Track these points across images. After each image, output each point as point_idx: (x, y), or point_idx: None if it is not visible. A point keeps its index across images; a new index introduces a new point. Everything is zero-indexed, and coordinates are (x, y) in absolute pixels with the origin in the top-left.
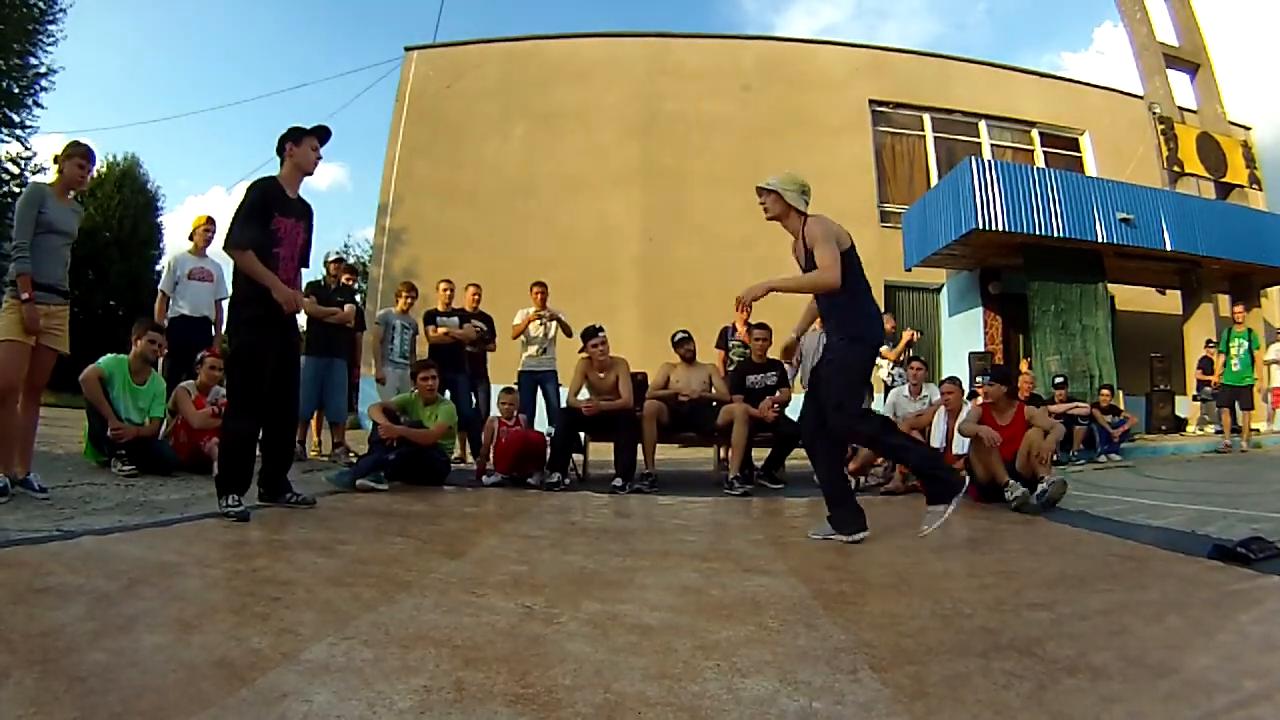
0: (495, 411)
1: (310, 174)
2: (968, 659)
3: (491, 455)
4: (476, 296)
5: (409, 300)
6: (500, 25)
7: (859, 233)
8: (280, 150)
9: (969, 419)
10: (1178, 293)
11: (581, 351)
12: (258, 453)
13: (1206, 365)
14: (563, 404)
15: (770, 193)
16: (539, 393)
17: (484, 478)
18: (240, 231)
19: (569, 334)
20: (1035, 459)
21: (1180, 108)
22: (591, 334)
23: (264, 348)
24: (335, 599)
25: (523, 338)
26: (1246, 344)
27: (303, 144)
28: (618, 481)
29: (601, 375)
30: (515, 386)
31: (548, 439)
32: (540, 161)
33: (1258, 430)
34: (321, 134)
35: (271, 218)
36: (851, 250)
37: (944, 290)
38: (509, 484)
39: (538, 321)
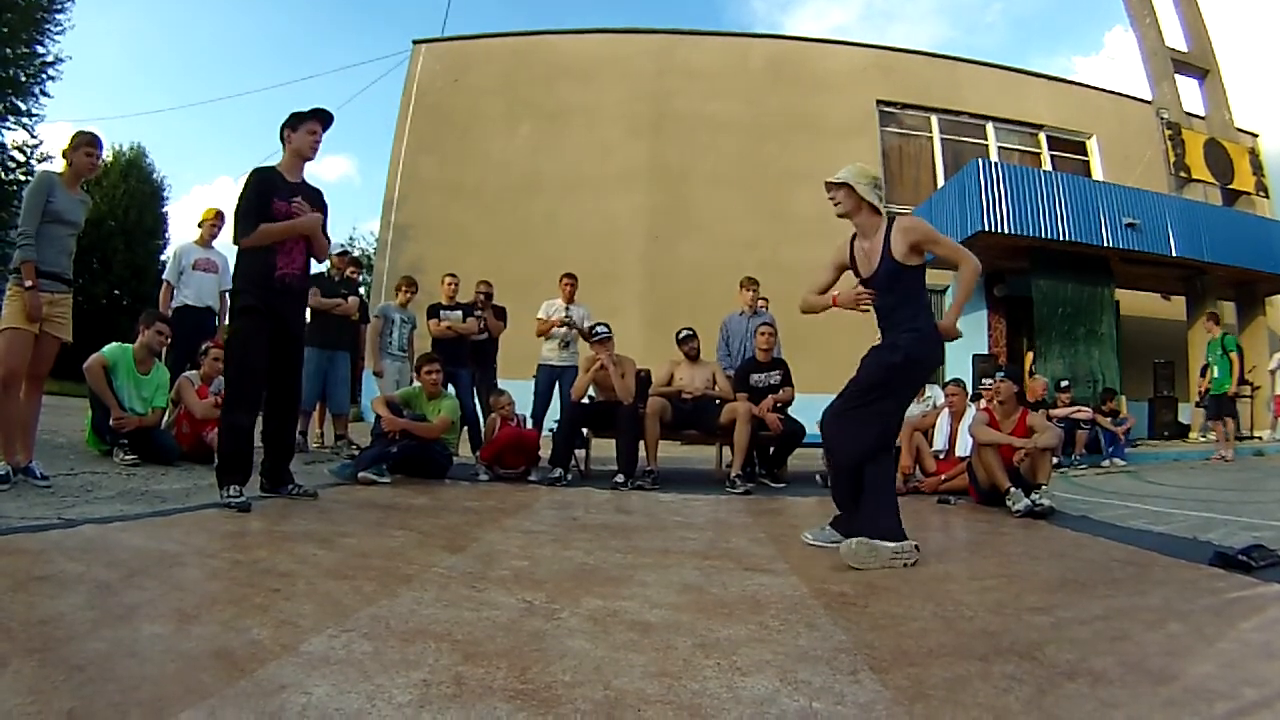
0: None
1: (310, 159)
2: (968, 662)
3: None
4: (486, 292)
5: (408, 294)
6: (508, 20)
7: None
8: (281, 138)
9: (976, 423)
10: (1183, 299)
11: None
12: (258, 443)
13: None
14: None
15: (841, 187)
16: (555, 387)
17: (479, 475)
18: (241, 228)
19: (588, 339)
20: (1035, 466)
21: (1188, 113)
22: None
23: (257, 338)
24: (335, 591)
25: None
26: (1221, 350)
27: (300, 130)
28: (620, 478)
29: (609, 372)
30: (506, 390)
31: (546, 435)
32: (546, 158)
33: (1260, 438)
34: (322, 117)
35: (269, 205)
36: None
37: (948, 292)
38: (504, 480)
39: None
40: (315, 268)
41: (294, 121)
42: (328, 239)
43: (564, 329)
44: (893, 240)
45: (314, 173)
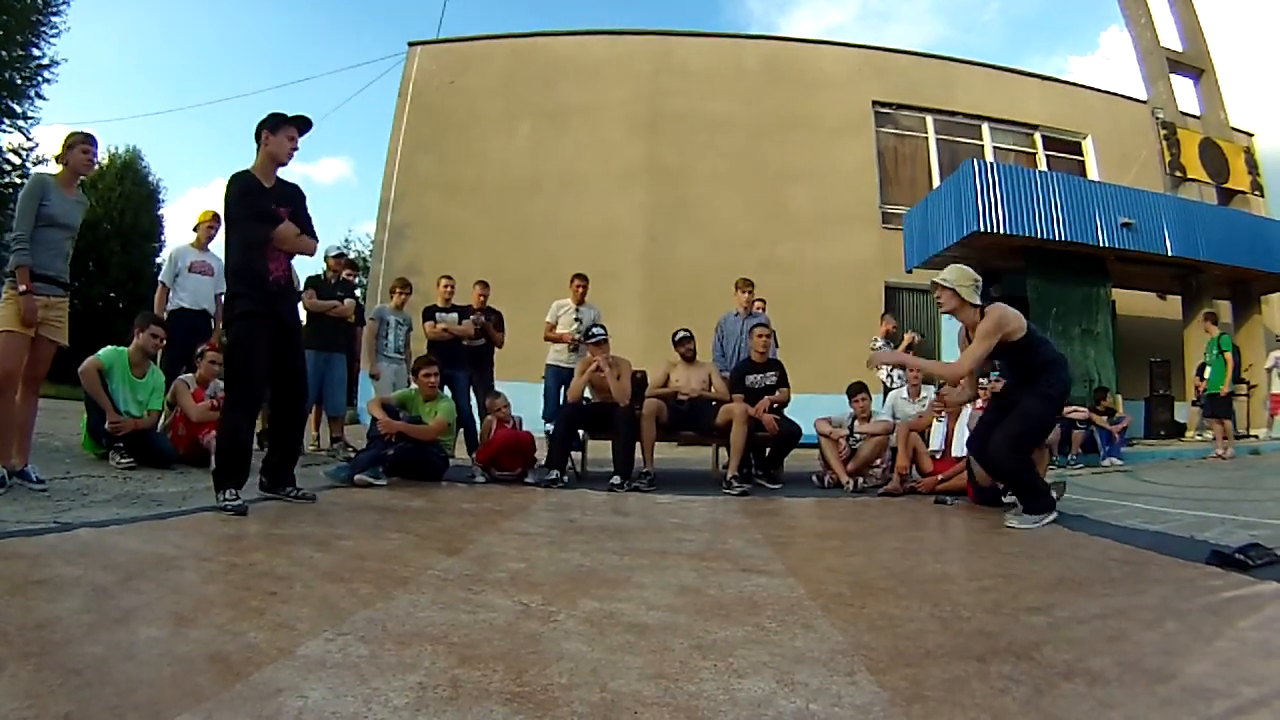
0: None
1: (284, 164)
2: (965, 662)
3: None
4: (483, 294)
5: (403, 296)
6: (505, 22)
7: (860, 234)
8: (257, 137)
9: (973, 422)
10: (1178, 298)
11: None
12: (257, 446)
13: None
14: None
15: (946, 289)
16: (562, 389)
17: (475, 477)
18: (249, 229)
19: (584, 341)
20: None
21: (1183, 113)
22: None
23: (257, 342)
24: (332, 594)
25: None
26: (1217, 349)
27: (279, 133)
28: (616, 480)
29: (604, 375)
30: (503, 392)
31: (542, 437)
32: (544, 158)
33: (1256, 436)
34: (301, 124)
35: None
36: (1029, 334)
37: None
38: (500, 482)
39: (572, 326)
40: (312, 269)
41: (273, 124)
42: (315, 238)
43: (576, 321)
44: (974, 331)
45: (311, 176)
